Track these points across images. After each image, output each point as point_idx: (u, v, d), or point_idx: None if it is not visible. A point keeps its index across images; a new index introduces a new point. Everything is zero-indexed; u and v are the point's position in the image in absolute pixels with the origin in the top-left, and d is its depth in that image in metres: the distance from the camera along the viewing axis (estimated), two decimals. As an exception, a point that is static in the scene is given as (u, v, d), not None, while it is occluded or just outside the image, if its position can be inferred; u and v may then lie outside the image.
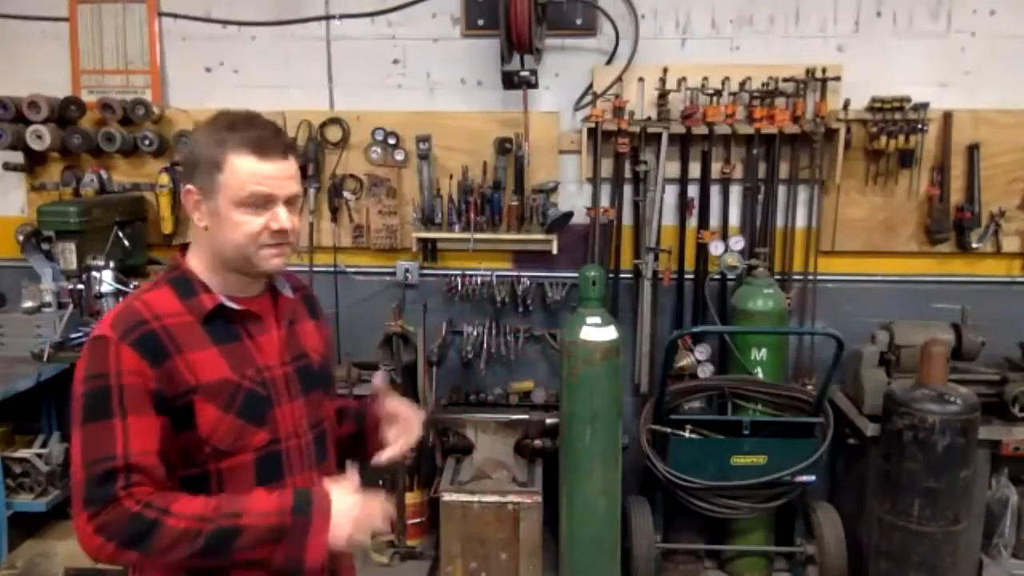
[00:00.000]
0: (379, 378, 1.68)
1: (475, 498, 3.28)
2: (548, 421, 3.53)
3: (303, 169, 3.66)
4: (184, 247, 1.55)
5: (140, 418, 1.35)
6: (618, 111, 3.54)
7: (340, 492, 1.44)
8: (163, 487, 1.37)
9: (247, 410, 1.44)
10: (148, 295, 1.46)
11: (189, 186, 1.45)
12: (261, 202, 1.42)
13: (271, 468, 1.48)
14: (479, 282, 3.75)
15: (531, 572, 3.30)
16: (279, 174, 1.44)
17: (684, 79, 3.54)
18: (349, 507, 1.42)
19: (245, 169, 1.41)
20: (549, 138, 3.72)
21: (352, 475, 1.50)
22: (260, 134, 1.43)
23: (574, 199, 3.77)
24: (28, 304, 3.57)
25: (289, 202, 1.46)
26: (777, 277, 3.65)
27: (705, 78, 3.54)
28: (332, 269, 3.88)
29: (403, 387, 3.60)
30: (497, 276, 3.76)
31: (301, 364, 1.56)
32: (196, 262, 1.50)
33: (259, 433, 1.46)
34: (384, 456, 1.64)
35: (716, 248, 3.60)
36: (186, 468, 1.42)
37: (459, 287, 3.75)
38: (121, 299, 3.40)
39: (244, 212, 1.42)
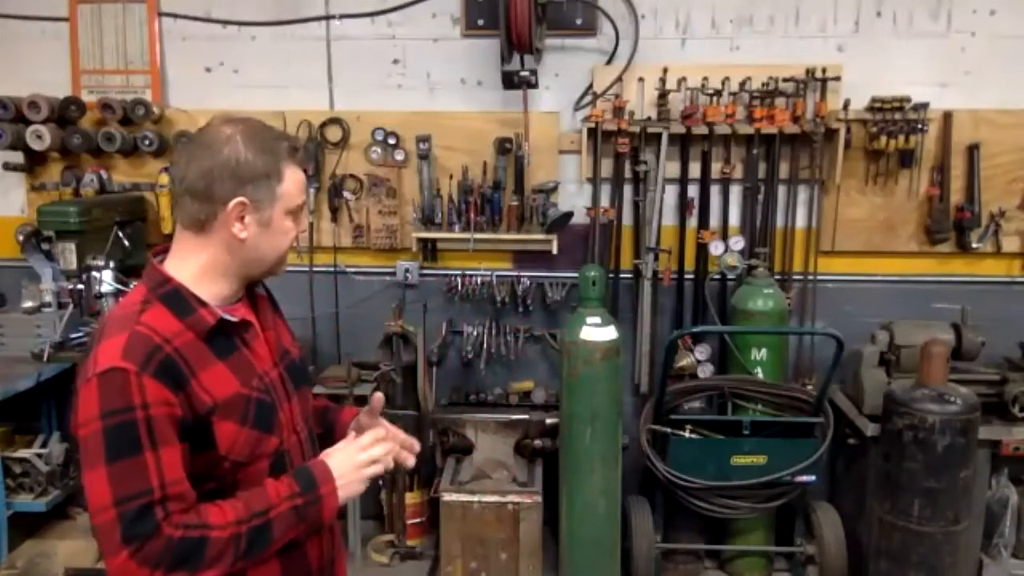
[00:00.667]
0: (377, 397, 1.63)
1: (475, 498, 3.28)
2: (548, 421, 3.53)
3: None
4: (157, 256, 1.50)
5: (170, 448, 1.32)
6: (618, 111, 3.54)
7: (333, 452, 1.51)
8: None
9: (260, 420, 1.45)
10: (145, 316, 1.38)
11: (242, 198, 1.41)
12: (299, 211, 1.52)
13: (278, 470, 1.49)
14: (479, 282, 3.75)
15: (531, 572, 3.30)
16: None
17: (684, 79, 3.54)
18: (345, 460, 1.49)
19: (297, 179, 1.49)
20: (549, 138, 3.72)
21: (350, 437, 1.56)
22: (297, 145, 1.51)
23: (574, 199, 3.77)
24: (28, 304, 3.57)
25: None
26: (777, 277, 3.65)
27: (705, 78, 3.54)
28: (332, 269, 3.88)
29: (403, 387, 3.61)
30: (497, 276, 3.76)
31: (287, 362, 1.58)
32: (184, 273, 1.44)
33: (271, 439, 1.47)
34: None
35: (716, 248, 3.60)
36: (202, 484, 1.40)
37: (459, 287, 3.76)
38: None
39: (290, 220, 1.49)
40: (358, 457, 1.50)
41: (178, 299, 1.41)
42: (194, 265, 1.45)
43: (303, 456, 1.55)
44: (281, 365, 1.55)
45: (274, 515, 1.39)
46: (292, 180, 1.47)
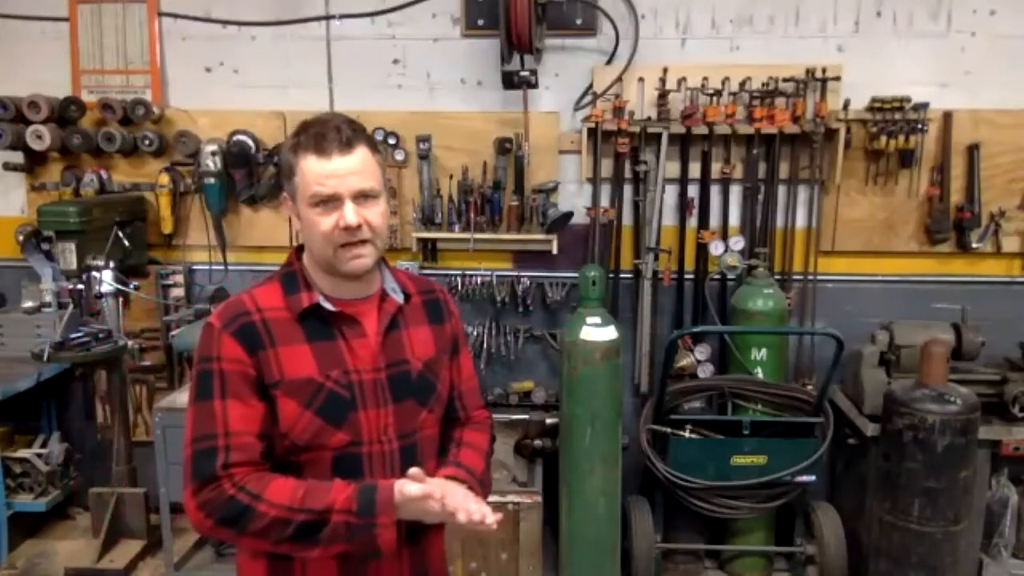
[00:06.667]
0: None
1: (475, 498, 3.28)
2: (548, 421, 3.53)
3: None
4: (301, 246, 1.59)
5: (239, 402, 1.43)
6: (618, 111, 3.54)
7: (407, 483, 1.41)
8: (262, 466, 1.45)
9: (326, 410, 1.47)
10: (258, 289, 1.54)
11: (284, 193, 1.54)
12: (328, 201, 1.44)
13: (350, 469, 1.48)
14: (479, 282, 3.75)
15: (531, 572, 3.30)
16: (339, 171, 1.43)
17: (684, 79, 3.54)
18: (414, 498, 1.40)
19: (309, 170, 1.44)
20: (549, 138, 3.71)
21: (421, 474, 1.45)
22: (319, 131, 1.44)
23: (574, 199, 3.77)
24: (28, 304, 3.57)
25: (361, 197, 1.45)
26: (777, 277, 3.65)
27: (705, 78, 3.54)
28: (332, 269, 3.88)
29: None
30: (497, 276, 3.76)
31: (397, 371, 1.54)
32: (308, 260, 1.55)
33: (337, 434, 1.48)
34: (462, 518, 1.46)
35: (716, 248, 3.60)
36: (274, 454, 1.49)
37: (459, 287, 3.75)
38: (120, 298, 3.43)
39: (316, 213, 1.46)
40: (429, 505, 1.42)
41: (291, 279, 1.54)
42: (308, 255, 1.56)
43: (386, 469, 1.51)
44: (386, 372, 1.52)
45: (329, 518, 1.40)
46: (304, 172, 1.44)
